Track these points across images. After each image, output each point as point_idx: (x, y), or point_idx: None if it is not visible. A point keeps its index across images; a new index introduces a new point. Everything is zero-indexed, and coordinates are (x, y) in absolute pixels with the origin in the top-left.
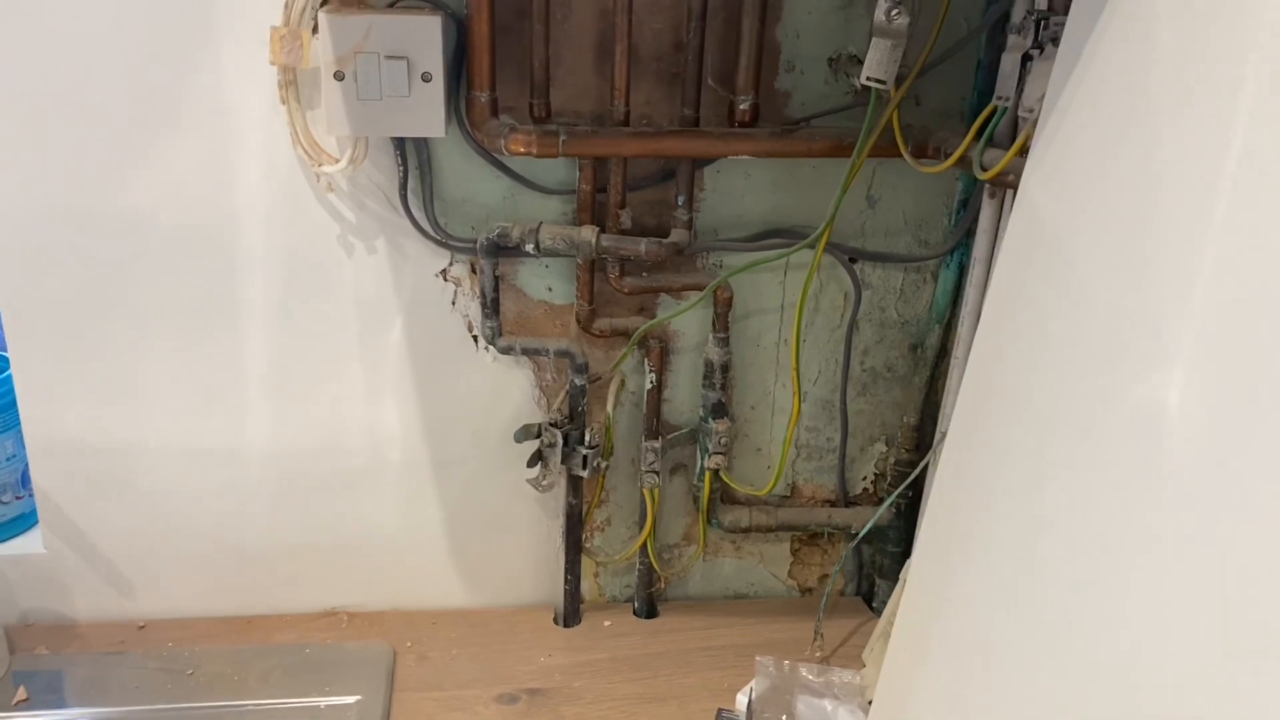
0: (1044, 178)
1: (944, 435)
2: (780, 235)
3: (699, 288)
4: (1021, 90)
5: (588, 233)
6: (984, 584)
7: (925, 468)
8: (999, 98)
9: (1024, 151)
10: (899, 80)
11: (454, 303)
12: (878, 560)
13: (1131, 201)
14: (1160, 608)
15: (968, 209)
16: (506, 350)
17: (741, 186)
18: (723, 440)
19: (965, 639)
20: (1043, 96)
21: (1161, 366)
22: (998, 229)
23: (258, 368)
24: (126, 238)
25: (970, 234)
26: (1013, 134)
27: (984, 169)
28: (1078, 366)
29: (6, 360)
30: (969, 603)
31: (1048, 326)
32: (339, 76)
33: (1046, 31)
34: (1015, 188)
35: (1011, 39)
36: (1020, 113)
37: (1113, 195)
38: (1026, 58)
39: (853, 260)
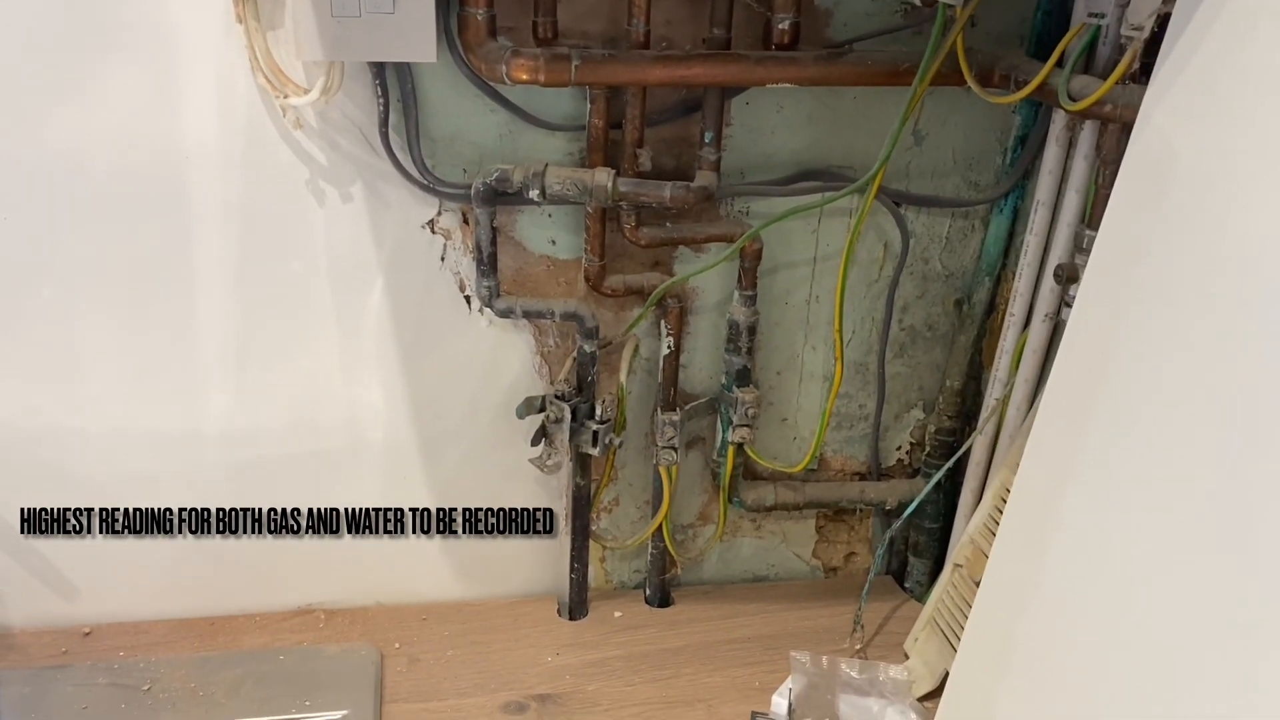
0: (1177, 108)
1: (1001, 402)
2: (814, 177)
3: (724, 238)
4: (1125, 5)
5: (602, 176)
6: (1100, 595)
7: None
8: (1092, 15)
9: (1129, 78)
10: None
11: (443, 258)
12: (911, 537)
13: None
14: None
15: (1026, 146)
16: (505, 313)
17: (773, 121)
18: (749, 411)
19: (1066, 656)
20: (1155, 13)
21: None
22: (1066, 169)
23: (214, 337)
24: (53, 187)
25: (1028, 174)
26: (1089, 57)
27: (1073, 99)
28: (1235, 341)
29: None
30: (1076, 615)
31: (1192, 294)
32: None
33: None
34: (1113, 120)
35: None
36: (1124, 31)
37: None
38: None
39: (897, 204)
